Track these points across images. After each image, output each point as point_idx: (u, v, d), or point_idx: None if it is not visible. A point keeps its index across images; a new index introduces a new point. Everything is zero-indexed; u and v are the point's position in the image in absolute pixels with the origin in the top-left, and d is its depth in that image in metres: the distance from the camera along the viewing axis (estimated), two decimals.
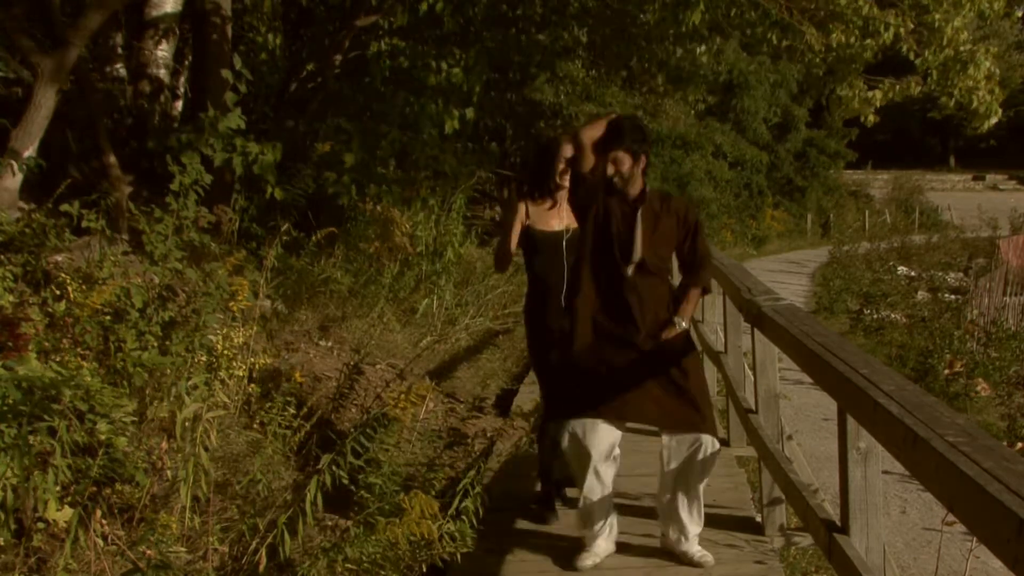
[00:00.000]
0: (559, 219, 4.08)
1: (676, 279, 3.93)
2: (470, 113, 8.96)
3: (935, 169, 50.95)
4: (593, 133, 3.58)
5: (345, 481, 3.50)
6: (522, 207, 4.09)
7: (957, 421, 2.03)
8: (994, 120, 8.55)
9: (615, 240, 3.55)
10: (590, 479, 3.54)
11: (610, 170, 3.51)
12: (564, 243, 4.04)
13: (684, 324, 3.63)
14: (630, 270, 3.54)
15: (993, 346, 10.83)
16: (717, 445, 3.57)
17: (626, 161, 3.50)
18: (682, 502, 3.60)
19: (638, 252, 3.53)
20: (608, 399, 3.49)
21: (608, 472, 3.57)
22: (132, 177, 6.93)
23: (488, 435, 5.68)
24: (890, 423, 2.18)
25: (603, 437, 3.50)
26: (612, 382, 3.51)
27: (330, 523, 3.95)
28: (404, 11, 8.10)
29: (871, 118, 9.40)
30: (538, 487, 4.39)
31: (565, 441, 3.57)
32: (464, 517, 3.64)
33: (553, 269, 4.06)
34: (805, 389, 8.34)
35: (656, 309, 3.59)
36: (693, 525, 3.65)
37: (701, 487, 3.62)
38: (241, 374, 4.49)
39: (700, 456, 3.52)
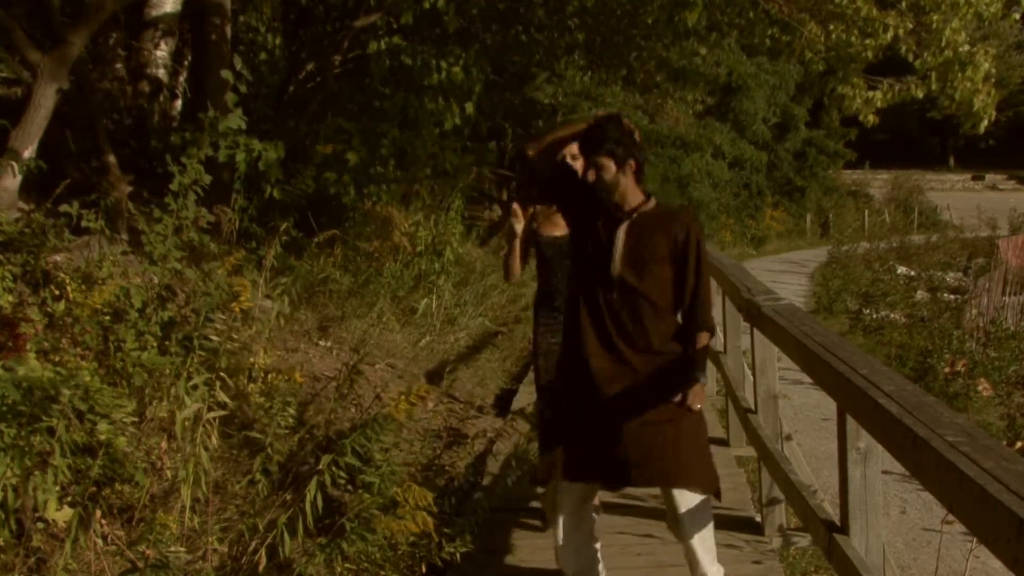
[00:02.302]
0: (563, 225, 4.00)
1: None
2: (470, 108, 8.94)
3: (934, 169, 51.03)
4: (560, 132, 3.40)
5: (343, 481, 3.49)
6: (521, 213, 3.84)
7: (957, 421, 2.03)
8: (986, 122, 8.55)
9: (598, 256, 3.14)
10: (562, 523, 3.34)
11: (591, 176, 3.11)
12: (564, 249, 3.84)
13: (704, 377, 3.16)
14: (615, 292, 3.10)
15: (992, 346, 10.83)
16: (698, 499, 3.15)
17: (609, 167, 3.08)
18: (689, 549, 3.23)
19: (616, 268, 3.09)
20: (588, 462, 3.15)
21: (585, 518, 3.35)
22: (132, 177, 6.92)
23: (488, 435, 5.68)
24: (890, 423, 2.18)
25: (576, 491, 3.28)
26: (593, 438, 3.13)
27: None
28: (407, 9, 8.06)
29: (871, 118, 9.38)
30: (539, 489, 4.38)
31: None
32: (463, 517, 3.64)
33: (557, 277, 3.92)
34: (805, 389, 8.34)
35: (650, 340, 3.11)
36: (706, 567, 3.26)
37: (703, 533, 3.21)
38: (242, 374, 4.48)
39: (682, 509, 3.14)
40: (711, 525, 3.22)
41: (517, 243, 3.88)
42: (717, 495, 3.18)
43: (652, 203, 3.17)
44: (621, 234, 3.10)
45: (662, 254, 3.10)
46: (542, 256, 4.00)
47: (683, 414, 3.08)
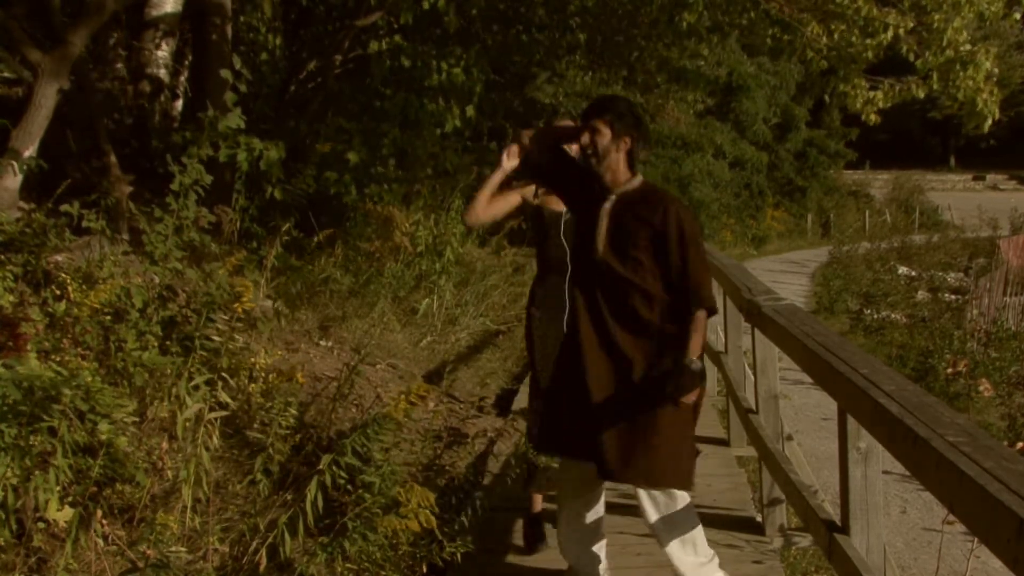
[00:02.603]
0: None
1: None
2: (470, 111, 8.95)
3: (935, 169, 51.06)
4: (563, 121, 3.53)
5: (343, 481, 3.49)
6: (517, 153, 3.53)
7: (957, 421, 2.03)
8: (990, 122, 8.53)
9: (587, 242, 3.12)
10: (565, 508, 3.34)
11: (585, 139, 3.08)
12: (563, 223, 3.77)
13: (697, 364, 2.96)
14: (604, 277, 3.06)
15: (993, 346, 10.83)
16: (665, 495, 3.11)
17: (604, 132, 3.05)
18: (670, 554, 3.20)
19: (599, 251, 3.06)
20: (566, 439, 3.15)
21: (585, 510, 3.31)
22: (132, 177, 6.93)
23: (488, 435, 5.68)
24: (890, 423, 2.18)
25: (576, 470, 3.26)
26: (576, 421, 3.10)
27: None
28: (407, 9, 8.06)
29: (873, 117, 9.37)
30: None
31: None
32: (464, 516, 3.64)
33: (556, 253, 3.81)
34: (805, 389, 8.34)
35: (632, 325, 3.03)
36: (680, 560, 3.20)
37: (683, 539, 3.16)
38: (242, 374, 4.48)
39: (648, 507, 3.13)
40: (689, 518, 3.17)
41: (497, 176, 3.57)
42: (688, 487, 3.11)
43: (638, 181, 3.13)
44: (604, 216, 3.08)
45: (643, 243, 3.02)
46: (543, 231, 3.89)
47: (666, 407, 2.99)
